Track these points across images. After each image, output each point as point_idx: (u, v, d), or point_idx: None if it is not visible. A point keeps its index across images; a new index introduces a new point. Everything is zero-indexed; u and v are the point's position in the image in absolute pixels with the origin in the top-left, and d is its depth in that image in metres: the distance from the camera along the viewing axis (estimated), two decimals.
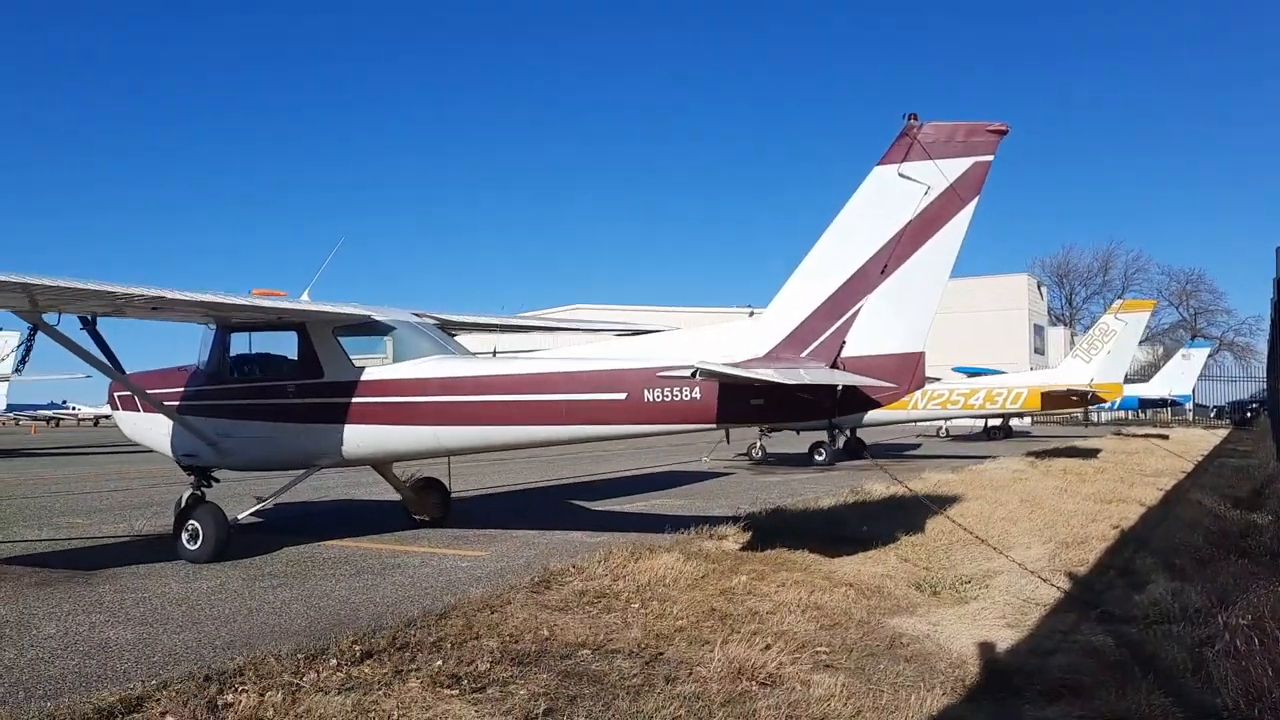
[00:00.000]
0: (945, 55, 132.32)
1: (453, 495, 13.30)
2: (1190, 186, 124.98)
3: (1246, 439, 37.17)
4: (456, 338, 12.31)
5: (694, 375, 8.13)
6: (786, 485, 18.69)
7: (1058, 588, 8.33)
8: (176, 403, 11.43)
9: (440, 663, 5.77)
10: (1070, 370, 27.40)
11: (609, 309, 71.93)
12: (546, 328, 15.61)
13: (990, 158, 8.59)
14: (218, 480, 11.96)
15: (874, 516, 12.03)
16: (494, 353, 11.60)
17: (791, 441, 27.71)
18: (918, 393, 25.68)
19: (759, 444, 26.20)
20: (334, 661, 5.77)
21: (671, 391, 9.04)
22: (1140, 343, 29.06)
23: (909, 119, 8.59)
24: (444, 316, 12.48)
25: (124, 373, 11.27)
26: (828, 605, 7.56)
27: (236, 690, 5.25)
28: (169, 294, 9.12)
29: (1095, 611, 7.43)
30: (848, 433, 25.58)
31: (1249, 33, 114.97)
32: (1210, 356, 56.52)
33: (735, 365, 8.47)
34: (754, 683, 5.55)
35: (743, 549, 9.76)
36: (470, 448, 10.83)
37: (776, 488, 18.07)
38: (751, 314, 9.99)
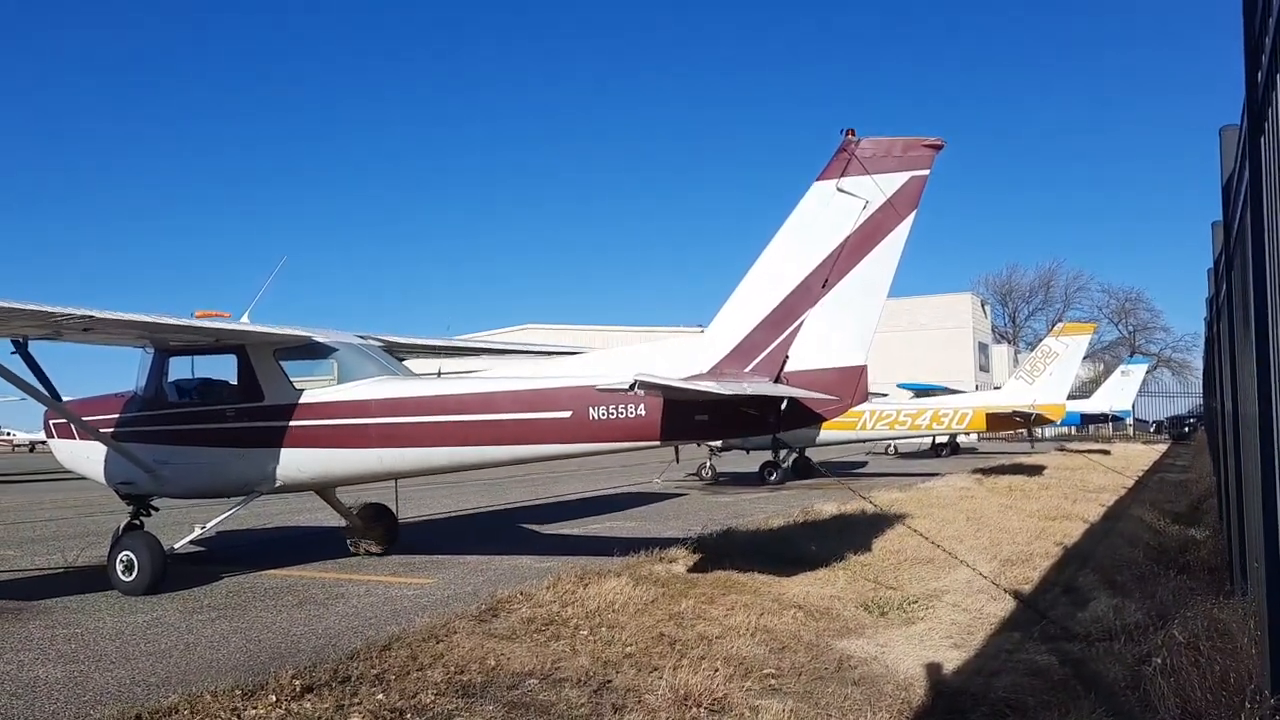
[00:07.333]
0: (886, 72, 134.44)
1: (400, 521, 13.10)
2: (1131, 210, 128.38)
3: (1184, 453, 38.16)
4: (404, 362, 12.17)
5: (632, 388, 8.02)
6: (737, 505, 18.72)
7: (1004, 605, 8.41)
8: (113, 429, 11.14)
9: (383, 696, 5.65)
10: (1014, 392, 27.92)
11: (560, 328, 71.97)
12: (495, 350, 15.48)
13: (927, 172, 8.69)
14: (156, 509, 11.65)
15: (823, 537, 12.06)
16: (438, 374, 11.45)
17: (742, 461, 27.80)
18: (868, 413, 26.08)
19: (709, 464, 26.20)
20: (273, 697, 5.62)
21: (616, 409, 8.98)
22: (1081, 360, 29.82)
23: (847, 134, 8.66)
24: (389, 339, 12.34)
25: (59, 398, 10.95)
26: (776, 628, 7.55)
27: None
28: (100, 314, 8.85)
29: (1039, 629, 7.49)
30: (796, 451, 25.68)
31: (1188, 69, 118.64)
32: (1149, 373, 57.95)
33: (677, 380, 8.41)
34: (702, 709, 5.51)
35: (693, 572, 9.73)
36: (415, 470, 10.68)
37: (728, 508, 18.09)
38: (702, 332, 9.99)
